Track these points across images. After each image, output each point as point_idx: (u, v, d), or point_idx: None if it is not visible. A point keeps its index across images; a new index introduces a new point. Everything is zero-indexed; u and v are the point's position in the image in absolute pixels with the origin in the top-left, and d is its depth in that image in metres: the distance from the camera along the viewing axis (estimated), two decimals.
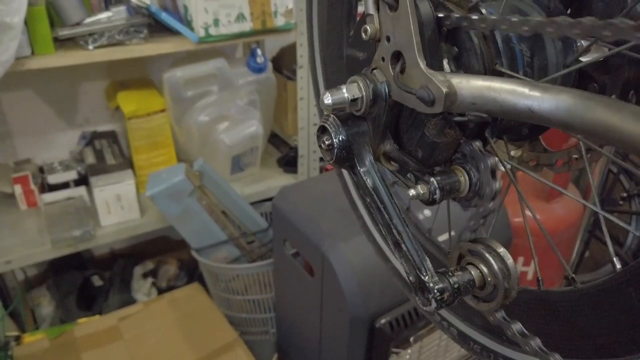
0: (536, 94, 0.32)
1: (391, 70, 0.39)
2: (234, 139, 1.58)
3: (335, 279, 1.10)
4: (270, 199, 1.74)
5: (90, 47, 1.29)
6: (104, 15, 1.30)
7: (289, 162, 1.80)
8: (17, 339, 1.43)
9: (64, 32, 1.25)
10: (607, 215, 0.40)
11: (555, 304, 0.41)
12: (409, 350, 1.15)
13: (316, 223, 1.16)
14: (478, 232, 0.41)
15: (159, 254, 1.94)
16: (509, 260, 0.39)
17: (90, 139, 1.71)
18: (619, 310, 0.37)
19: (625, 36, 0.29)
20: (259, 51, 1.51)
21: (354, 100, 0.40)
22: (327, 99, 0.39)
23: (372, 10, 0.39)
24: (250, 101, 1.58)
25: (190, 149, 1.64)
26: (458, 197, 0.40)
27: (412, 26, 0.35)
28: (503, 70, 0.37)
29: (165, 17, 1.34)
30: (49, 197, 1.56)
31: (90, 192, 1.56)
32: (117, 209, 1.52)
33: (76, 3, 1.25)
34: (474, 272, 0.39)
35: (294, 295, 1.37)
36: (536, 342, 0.37)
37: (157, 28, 1.41)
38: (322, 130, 0.42)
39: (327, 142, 0.42)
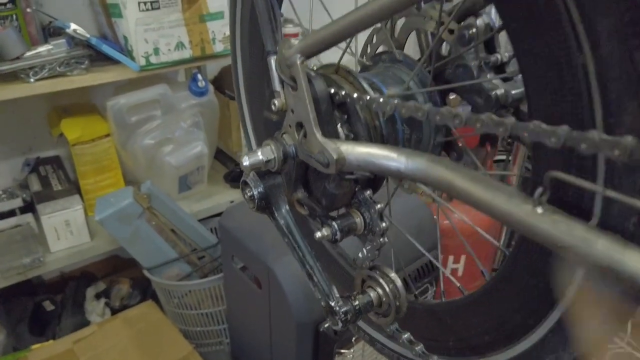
0: (402, 158, 0.42)
1: (297, 136, 0.48)
2: (180, 160, 1.63)
3: (281, 290, 1.19)
4: (219, 214, 1.80)
5: (32, 79, 1.32)
6: (44, 48, 1.33)
7: (234, 178, 1.87)
8: None
9: (3, 67, 1.28)
10: None
11: (440, 314, 0.52)
12: (352, 350, 1.26)
13: (261, 239, 1.25)
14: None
15: (111, 273, 1.97)
16: (399, 283, 0.49)
17: (35, 165, 1.72)
18: (485, 316, 0.47)
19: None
20: (199, 76, 1.57)
21: (268, 160, 0.48)
22: (245, 162, 0.48)
23: (278, 87, 0.48)
24: (193, 123, 1.64)
25: (137, 171, 1.68)
26: (356, 234, 0.50)
27: (308, 105, 0.45)
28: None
29: (106, 48, 1.38)
30: None
31: (37, 219, 1.58)
32: (67, 234, 1.54)
33: (15, 38, 1.28)
34: (372, 294, 0.49)
35: (245, 306, 1.45)
36: (420, 348, 0.48)
37: (99, 57, 1.44)
38: (245, 183, 0.51)
39: (249, 194, 0.51)
